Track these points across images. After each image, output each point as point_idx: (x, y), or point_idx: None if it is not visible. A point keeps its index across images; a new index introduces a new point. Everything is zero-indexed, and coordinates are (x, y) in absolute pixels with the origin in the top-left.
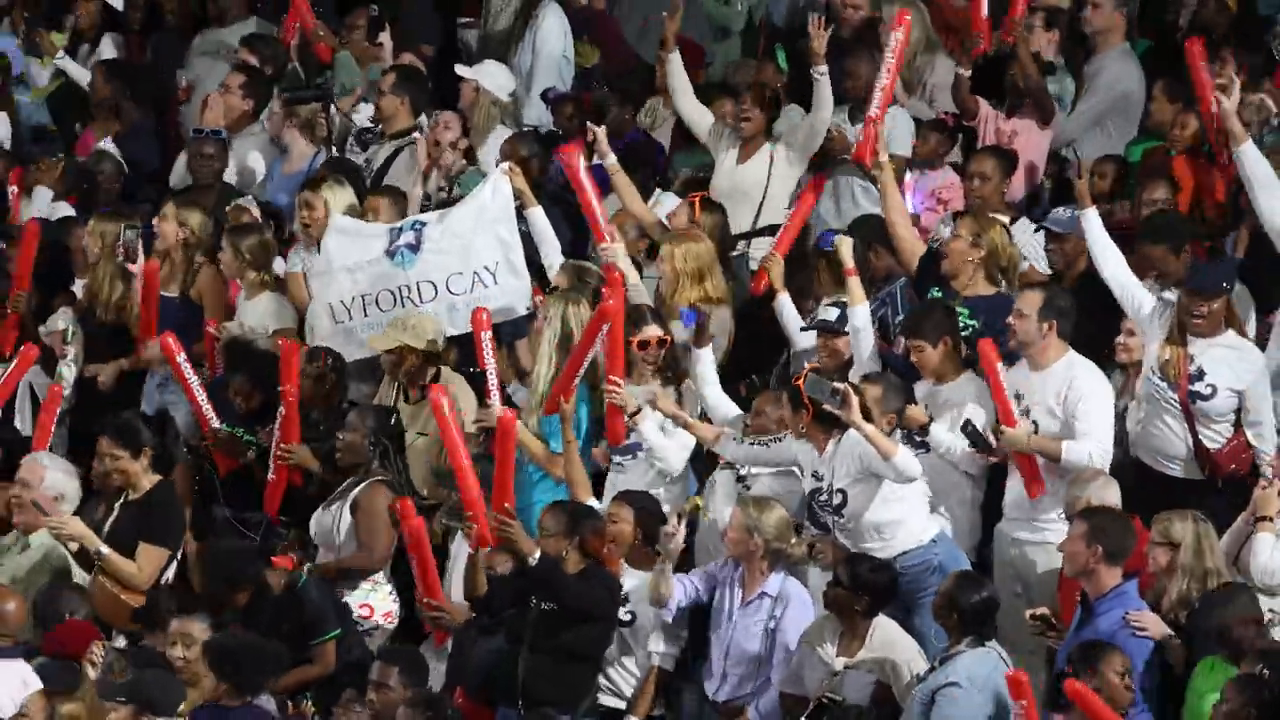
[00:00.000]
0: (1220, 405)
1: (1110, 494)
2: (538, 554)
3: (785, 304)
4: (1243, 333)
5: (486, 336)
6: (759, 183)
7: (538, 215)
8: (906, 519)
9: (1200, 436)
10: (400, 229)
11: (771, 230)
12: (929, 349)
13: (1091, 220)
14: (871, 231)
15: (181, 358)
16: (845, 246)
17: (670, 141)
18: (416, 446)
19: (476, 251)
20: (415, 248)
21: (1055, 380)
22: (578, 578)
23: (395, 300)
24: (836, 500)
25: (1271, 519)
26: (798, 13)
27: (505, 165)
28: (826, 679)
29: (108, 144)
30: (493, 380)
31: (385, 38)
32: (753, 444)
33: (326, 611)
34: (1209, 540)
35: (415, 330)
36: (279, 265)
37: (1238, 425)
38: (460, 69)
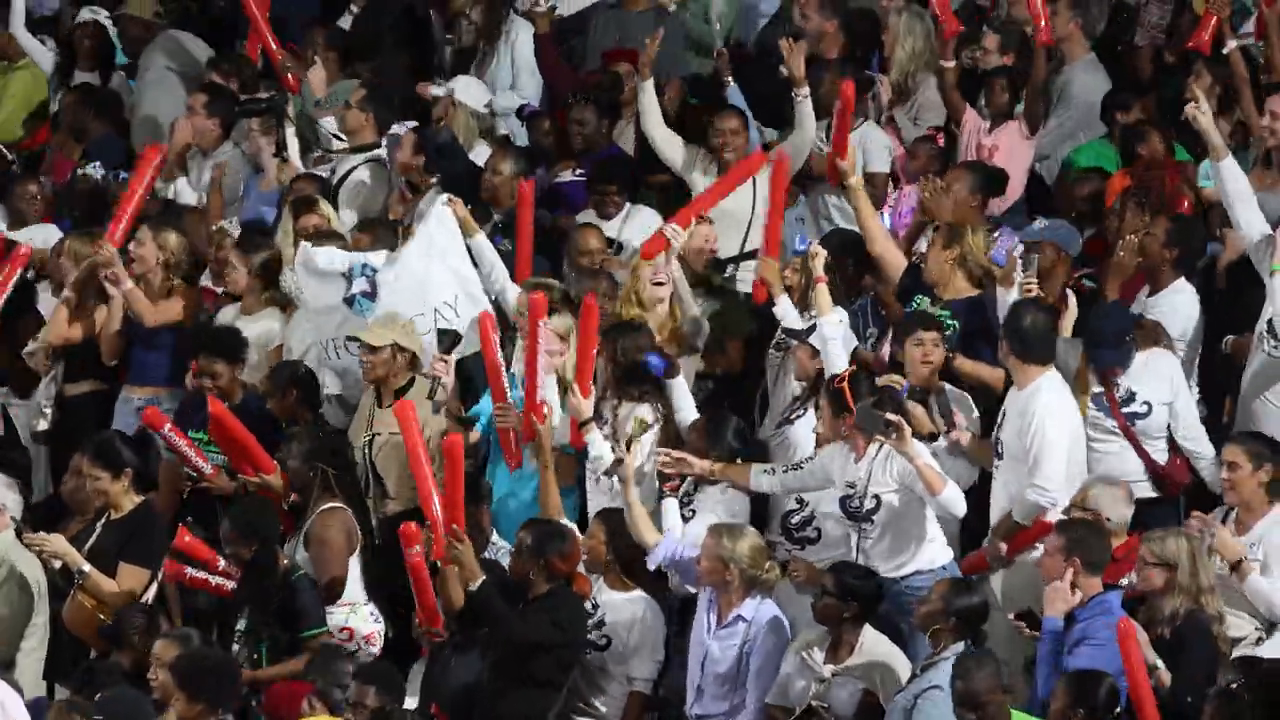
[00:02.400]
0: (1157, 421)
1: (1117, 508)
2: (480, 581)
3: (786, 306)
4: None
5: (496, 339)
6: (746, 207)
7: (482, 244)
8: (930, 539)
9: (1148, 453)
10: (352, 274)
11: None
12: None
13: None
14: (842, 246)
15: (168, 428)
16: (819, 256)
17: (635, 153)
18: (394, 443)
19: (433, 288)
20: (371, 295)
21: (1022, 403)
22: (523, 609)
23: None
24: (869, 505)
25: (1243, 560)
26: (767, 33)
27: (445, 197)
28: (814, 687)
29: (97, 169)
30: (505, 384)
31: (314, 73)
32: (785, 471)
33: (315, 608)
34: (1201, 557)
35: (405, 331)
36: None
37: (1171, 440)
38: (433, 89)
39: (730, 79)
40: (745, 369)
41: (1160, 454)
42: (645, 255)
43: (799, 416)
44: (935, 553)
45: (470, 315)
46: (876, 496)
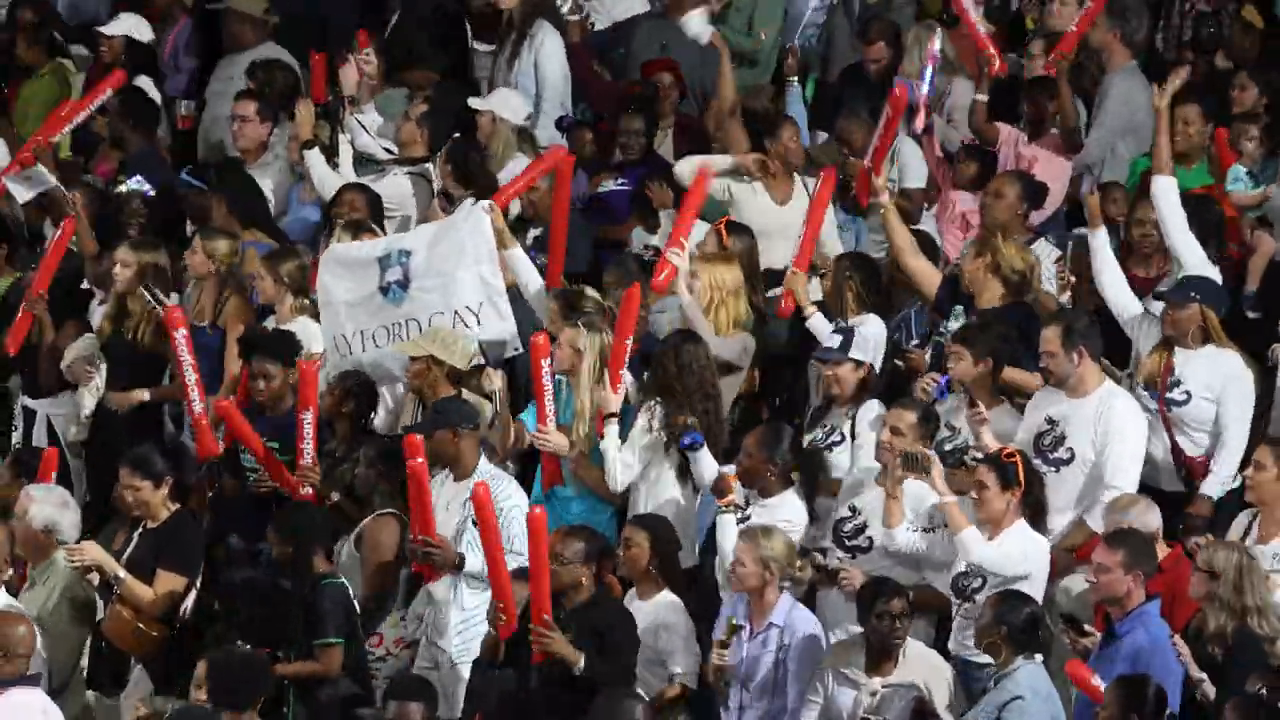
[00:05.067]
0: (1196, 412)
1: (1152, 518)
2: (582, 662)
3: (819, 323)
4: (1226, 345)
5: (546, 364)
6: (800, 223)
7: (517, 256)
8: None
9: (1178, 442)
10: (388, 261)
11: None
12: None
13: (1101, 240)
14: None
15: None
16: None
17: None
18: None
19: (458, 290)
20: (404, 284)
21: (1090, 410)
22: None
23: (389, 336)
24: (976, 584)
25: None
26: (824, 42)
27: (486, 203)
28: (864, 699)
29: (140, 183)
30: (549, 407)
31: (346, 70)
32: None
33: (333, 619)
34: (1252, 575)
35: (445, 344)
36: None
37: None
38: (474, 101)
39: (795, 79)
40: (762, 390)
41: (1192, 446)
42: (658, 289)
43: (837, 444)
44: None
45: (491, 328)
46: (983, 578)
